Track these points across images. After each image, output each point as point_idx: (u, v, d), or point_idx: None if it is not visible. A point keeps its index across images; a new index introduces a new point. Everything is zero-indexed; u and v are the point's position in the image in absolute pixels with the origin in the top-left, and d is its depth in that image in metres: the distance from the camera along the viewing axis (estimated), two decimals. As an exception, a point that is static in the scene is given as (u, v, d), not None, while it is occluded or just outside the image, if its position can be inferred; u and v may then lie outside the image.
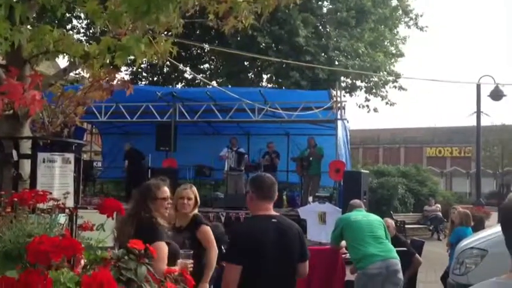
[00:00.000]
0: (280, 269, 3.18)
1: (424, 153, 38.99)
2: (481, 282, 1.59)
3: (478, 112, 19.94)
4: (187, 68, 18.94)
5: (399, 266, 5.42)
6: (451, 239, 7.81)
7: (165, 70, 21.24)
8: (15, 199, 1.91)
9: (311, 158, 13.08)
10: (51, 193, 2.13)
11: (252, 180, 3.45)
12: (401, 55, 21.80)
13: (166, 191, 3.48)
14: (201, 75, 19.33)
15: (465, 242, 7.11)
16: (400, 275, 5.41)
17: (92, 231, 2.13)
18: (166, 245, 3.23)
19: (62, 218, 2.24)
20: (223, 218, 11.66)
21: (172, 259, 3.24)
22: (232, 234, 3.37)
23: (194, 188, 4.31)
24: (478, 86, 19.91)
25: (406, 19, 21.78)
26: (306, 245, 3.39)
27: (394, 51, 21.44)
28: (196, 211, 4.22)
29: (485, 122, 22.16)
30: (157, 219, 3.32)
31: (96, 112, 12.99)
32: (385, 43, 20.94)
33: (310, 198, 12.96)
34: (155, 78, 21.62)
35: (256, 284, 3.13)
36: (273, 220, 3.24)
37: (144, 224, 3.25)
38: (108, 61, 3.29)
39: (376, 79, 20.18)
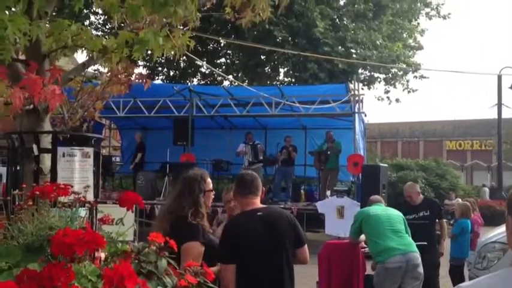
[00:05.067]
0: (273, 260, 3.18)
1: (443, 147, 38.46)
2: (495, 273, 1.55)
3: (499, 104, 19.63)
4: (204, 62, 18.97)
5: (419, 260, 5.36)
6: (454, 230, 7.78)
7: (181, 65, 21.31)
8: (37, 192, 1.92)
9: (329, 152, 13.01)
10: (72, 186, 2.13)
11: (235, 179, 3.51)
12: (420, 48, 21.53)
13: (210, 182, 3.33)
14: (217, 69, 19.34)
15: (487, 236, 7.01)
16: (421, 269, 5.35)
17: (112, 223, 2.14)
18: (204, 244, 3.07)
19: (82, 212, 2.25)
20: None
21: (212, 258, 3.08)
22: (221, 235, 3.33)
23: None
24: (499, 77, 19.59)
25: (427, 10, 21.48)
26: (301, 231, 3.37)
27: (412, 44, 21.18)
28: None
29: (506, 114, 21.76)
30: (195, 215, 3.12)
31: (114, 107, 13.11)
32: (404, 35, 20.69)
33: (328, 193, 12.90)
34: (172, 73, 21.73)
35: (251, 278, 3.12)
36: (259, 213, 3.23)
37: (181, 222, 3.09)
38: (126, 55, 3.29)
39: (395, 69, 19.99)
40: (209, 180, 3.32)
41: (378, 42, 18.28)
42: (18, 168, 3.28)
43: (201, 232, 3.12)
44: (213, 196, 3.31)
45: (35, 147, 3.16)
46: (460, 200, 18.61)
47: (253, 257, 3.13)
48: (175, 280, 1.86)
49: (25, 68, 3.23)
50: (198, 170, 3.42)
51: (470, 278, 6.62)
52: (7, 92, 3.04)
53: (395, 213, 5.80)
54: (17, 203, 2.05)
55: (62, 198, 2.05)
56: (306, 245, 3.38)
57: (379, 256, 5.45)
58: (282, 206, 10.96)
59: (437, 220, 6.77)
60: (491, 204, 18.91)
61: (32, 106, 3.17)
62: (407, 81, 20.68)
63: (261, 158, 13.58)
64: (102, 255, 1.83)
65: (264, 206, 3.37)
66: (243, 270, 3.09)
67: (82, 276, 1.57)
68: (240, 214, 3.33)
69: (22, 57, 3.40)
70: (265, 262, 3.15)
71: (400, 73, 20.39)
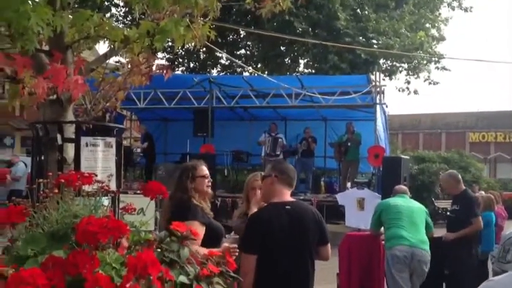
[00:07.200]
0: (296, 255, 3.17)
1: (466, 139, 37.81)
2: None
3: (525, 95, 19.16)
4: (224, 52, 18.92)
5: (426, 259, 5.31)
6: None
7: (201, 57, 21.34)
8: (62, 180, 1.94)
9: (349, 144, 12.91)
10: (96, 175, 2.15)
11: (274, 165, 3.46)
12: (443, 39, 21.12)
13: (204, 169, 3.49)
14: (238, 60, 19.31)
15: (511, 230, 6.88)
16: (426, 269, 5.31)
17: (135, 211, 2.15)
18: (204, 225, 3.22)
19: (105, 201, 2.27)
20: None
21: (214, 240, 3.23)
22: (246, 224, 3.35)
23: None
24: (525, 68, 19.13)
25: (449, 0, 21.04)
26: (325, 229, 3.36)
27: (435, 34, 20.78)
28: None
29: (531, 105, 21.24)
30: (191, 198, 3.32)
31: (135, 99, 13.20)
32: (427, 25, 20.30)
33: (349, 184, 12.83)
34: (192, 65, 21.77)
35: (272, 271, 3.12)
36: (287, 207, 3.21)
37: (179, 205, 3.28)
38: (147, 45, 3.30)
39: (418, 58, 19.61)
40: (203, 167, 3.51)
41: (400, 31, 17.97)
42: (42, 157, 3.32)
43: (200, 213, 3.28)
44: (208, 182, 3.48)
45: (59, 137, 3.19)
46: (483, 192, 18.32)
47: (278, 250, 3.13)
48: (198, 269, 1.87)
49: (48, 58, 3.27)
50: (192, 161, 3.65)
51: (494, 272, 6.51)
52: (31, 82, 3.07)
53: (417, 206, 5.74)
54: (41, 191, 2.07)
55: (85, 187, 2.07)
56: (329, 244, 3.38)
57: (388, 242, 5.46)
58: (301, 197, 10.94)
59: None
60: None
61: (55, 96, 3.20)
62: (429, 72, 20.30)
63: (278, 152, 13.54)
64: (125, 243, 1.85)
65: (293, 199, 3.35)
66: (267, 262, 3.09)
67: (106, 263, 1.59)
68: (268, 205, 3.31)
69: (45, 48, 3.43)
70: (289, 256, 3.14)
71: (424, 62, 20.02)
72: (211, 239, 3.19)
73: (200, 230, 3.16)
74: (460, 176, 6.44)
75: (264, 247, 3.10)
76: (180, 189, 3.38)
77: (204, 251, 2.38)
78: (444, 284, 6.29)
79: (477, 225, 6.07)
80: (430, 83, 20.41)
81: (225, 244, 3.31)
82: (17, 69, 2.98)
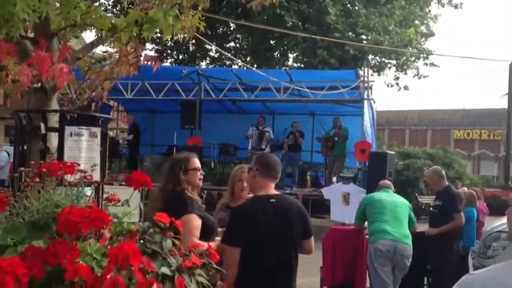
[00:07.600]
0: (280, 248, 3.18)
1: (451, 136, 38.20)
2: (505, 263, 1.52)
3: (510, 93, 19.44)
4: (214, 45, 18.82)
5: (409, 253, 5.37)
6: None
7: (190, 49, 21.21)
8: (44, 169, 1.92)
9: (336, 138, 12.96)
10: (79, 165, 2.13)
11: (258, 158, 3.45)
12: (432, 34, 21.24)
13: (197, 161, 3.44)
14: (227, 53, 19.24)
15: (493, 226, 7.00)
16: (408, 263, 5.36)
17: (119, 202, 2.13)
18: (200, 218, 3.20)
19: (88, 191, 2.24)
20: (247, 197, 11.67)
21: (208, 234, 3.21)
22: (230, 216, 3.35)
23: None
24: (511, 66, 19.36)
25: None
26: (309, 223, 3.38)
27: (425, 31, 20.89)
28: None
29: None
30: (186, 192, 3.27)
31: (122, 89, 13.09)
32: (416, 22, 20.41)
33: (335, 179, 12.89)
34: (180, 57, 21.64)
35: (257, 264, 3.13)
36: (272, 200, 3.21)
37: (173, 197, 3.22)
38: (135, 34, 3.26)
39: (407, 55, 19.71)
40: (195, 160, 3.44)
41: (390, 28, 18.04)
42: (25, 147, 3.28)
43: (195, 205, 3.23)
44: (200, 175, 3.42)
45: (42, 125, 3.15)
46: (466, 189, 18.54)
47: (262, 243, 3.13)
48: (180, 261, 1.86)
49: (33, 46, 3.22)
50: (183, 153, 3.57)
51: (475, 267, 6.61)
52: (15, 70, 3.03)
53: (401, 201, 5.79)
54: (23, 180, 2.05)
55: (68, 177, 2.05)
56: (312, 237, 3.40)
57: (372, 236, 5.51)
58: (287, 191, 10.96)
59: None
60: (498, 194, 18.85)
61: (39, 84, 3.15)
62: (417, 69, 20.45)
63: (264, 146, 13.51)
64: (107, 234, 1.83)
65: (277, 193, 3.35)
66: (251, 255, 3.09)
67: (87, 254, 1.57)
68: (253, 198, 3.30)
69: (31, 35, 3.38)
70: (273, 249, 3.15)
71: (412, 59, 20.14)
72: (205, 232, 3.16)
73: (198, 223, 3.14)
74: (443, 172, 6.51)
75: (249, 240, 3.10)
76: (172, 181, 3.31)
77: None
78: (426, 279, 6.37)
79: (459, 221, 6.13)
80: (419, 78, 20.57)
81: (217, 238, 3.29)
82: (0, 56, 2.93)
